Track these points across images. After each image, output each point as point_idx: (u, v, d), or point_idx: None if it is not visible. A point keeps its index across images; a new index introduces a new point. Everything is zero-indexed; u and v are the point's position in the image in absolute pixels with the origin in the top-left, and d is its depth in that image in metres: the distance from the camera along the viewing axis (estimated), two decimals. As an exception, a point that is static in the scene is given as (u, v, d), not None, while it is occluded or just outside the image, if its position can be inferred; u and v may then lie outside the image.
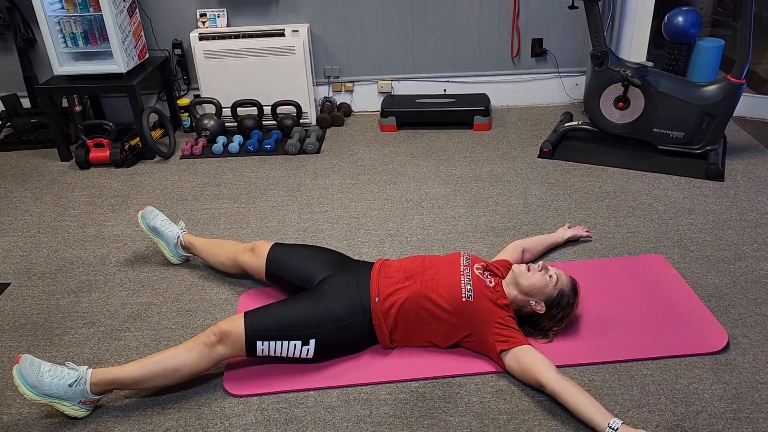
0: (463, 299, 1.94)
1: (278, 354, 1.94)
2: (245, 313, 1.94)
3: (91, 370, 1.85)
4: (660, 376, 1.93)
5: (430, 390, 1.92)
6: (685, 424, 1.77)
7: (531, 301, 2.01)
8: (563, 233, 2.61)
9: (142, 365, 1.86)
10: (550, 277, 2.00)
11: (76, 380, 1.81)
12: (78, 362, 2.11)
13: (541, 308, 2.00)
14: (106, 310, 2.37)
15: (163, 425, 1.84)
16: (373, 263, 2.17)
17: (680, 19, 3.52)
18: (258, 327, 1.91)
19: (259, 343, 1.91)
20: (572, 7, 3.30)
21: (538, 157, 3.45)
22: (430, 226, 2.83)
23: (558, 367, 1.97)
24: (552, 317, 2.03)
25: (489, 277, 2.05)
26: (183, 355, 1.88)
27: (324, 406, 1.89)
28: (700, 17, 3.54)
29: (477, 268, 2.05)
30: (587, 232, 2.66)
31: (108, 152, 3.53)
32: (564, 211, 2.89)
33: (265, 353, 1.93)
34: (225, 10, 3.86)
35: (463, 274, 2.00)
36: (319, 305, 1.98)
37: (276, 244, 2.29)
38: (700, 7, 4.09)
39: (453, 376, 1.97)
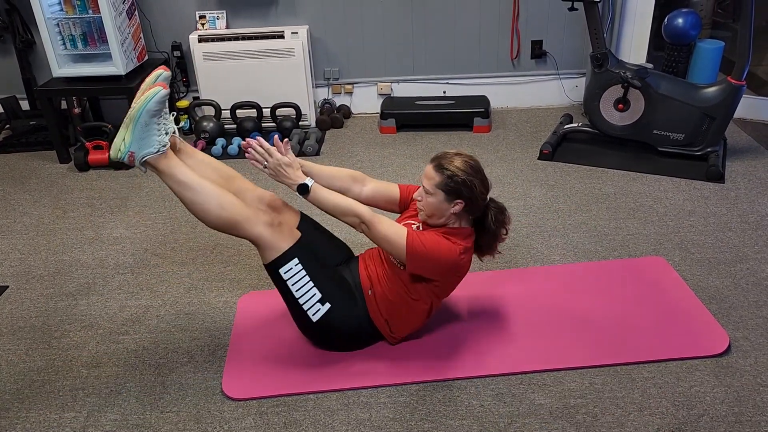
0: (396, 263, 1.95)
1: (294, 288, 1.91)
2: (304, 228, 2.01)
3: (168, 148, 1.87)
4: (661, 379, 1.92)
5: (431, 393, 1.92)
6: (687, 427, 1.76)
7: (450, 212, 1.89)
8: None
9: (202, 180, 1.87)
10: (423, 195, 1.90)
11: (159, 148, 1.84)
12: (77, 365, 2.10)
13: (458, 205, 1.88)
14: (104, 313, 2.36)
15: (162, 428, 1.83)
16: (357, 256, 2.14)
17: (680, 20, 3.51)
18: (307, 248, 1.93)
19: (294, 260, 1.90)
20: (572, 8, 3.29)
21: (538, 159, 3.44)
22: (429, 228, 2.81)
23: (558, 370, 1.97)
24: (468, 193, 1.87)
25: (417, 225, 2.00)
26: (237, 204, 1.88)
27: (323, 409, 1.88)
28: (699, 19, 3.54)
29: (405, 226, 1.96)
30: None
31: (107, 154, 3.52)
32: (564, 213, 2.88)
33: (287, 276, 1.90)
34: (224, 12, 3.86)
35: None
36: (344, 286, 1.99)
37: (303, 215, 2.14)
38: (699, 9, 4.08)
39: (453, 379, 1.96)
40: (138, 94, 1.88)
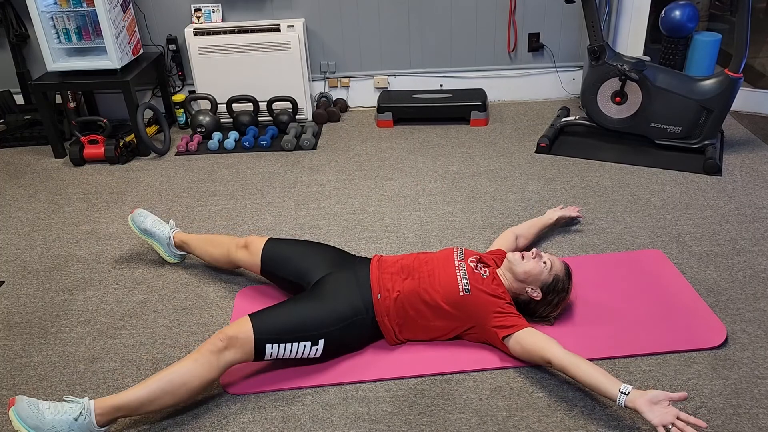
0: (461, 294, 1.95)
1: (287, 356, 1.91)
2: (250, 317, 1.89)
3: (92, 400, 1.73)
4: (659, 372, 1.92)
5: (429, 387, 1.91)
6: (685, 419, 1.76)
7: (527, 288, 2.02)
8: (552, 214, 2.62)
9: (146, 385, 1.75)
10: (545, 263, 2.03)
11: (80, 413, 1.69)
12: (74, 360, 2.09)
13: (537, 294, 2.02)
14: (101, 308, 2.35)
15: (160, 424, 1.83)
16: (368, 259, 2.16)
17: (677, 13, 3.50)
18: (266, 330, 1.86)
19: (268, 346, 1.86)
20: (569, 1, 3.28)
21: (536, 152, 3.44)
22: (427, 222, 2.81)
23: (557, 363, 1.97)
24: (548, 302, 2.05)
25: (483, 268, 2.05)
26: (189, 367, 1.79)
27: (322, 403, 1.87)
28: (697, 11, 3.53)
29: (471, 261, 2.05)
30: (578, 212, 2.68)
31: (102, 149, 3.50)
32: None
33: (274, 356, 1.89)
34: (220, 5, 3.83)
35: (458, 269, 2.01)
36: (324, 305, 1.96)
37: (270, 239, 2.26)
38: (696, 1, 4.07)
39: (451, 373, 1.96)
40: None
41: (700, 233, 2.63)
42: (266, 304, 2.28)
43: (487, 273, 2.03)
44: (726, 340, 2.03)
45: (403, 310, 1.99)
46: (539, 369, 1.96)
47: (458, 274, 1.99)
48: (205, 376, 1.80)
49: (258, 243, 2.26)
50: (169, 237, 2.49)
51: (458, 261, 2.04)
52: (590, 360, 1.97)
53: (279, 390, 1.92)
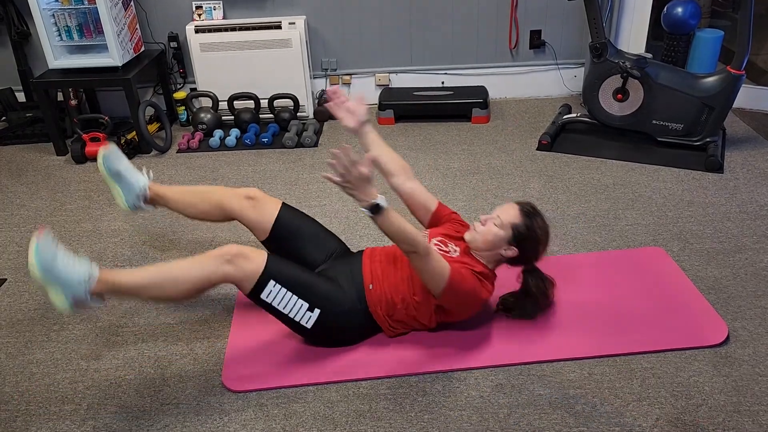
0: None
1: (281, 306, 1.90)
2: (269, 253, 1.91)
3: (98, 271, 1.80)
4: (660, 369, 1.93)
5: (430, 384, 1.92)
6: (686, 417, 1.76)
7: (500, 252, 1.98)
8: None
9: (144, 272, 1.82)
10: (495, 224, 1.96)
11: (87, 278, 1.77)
12: (76, 357, 2.10)
13: (512, 252, 1.98)
14: (103, 305, 2.35)
15: (162, 421, 1.84)
16: (360, 251, 2.15)
17: (679, 10, 3.50)
18: (277, 269, 1.88)
19: (271, 282, 1.86)
20: (571, -2, 3.28)
21: (537, 149, 3.44)
22: (428, 219, 2.81)
23: (558, 360, 1.97)
24: (528, 249, 1.98)
25: (453, 246, 2.02)
26: (187, 267, 1.82)
27: (323, 401, 1.88)
28: (699, 8, 3.53)
29: (436, 244, 2.02)
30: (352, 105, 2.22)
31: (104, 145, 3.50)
32: (563, 203, 2.88)
33: (270, 299, 1.88)
34: (221, 2, 3.83)
35: None
36: (329, 285, 1.98)
37: (284, 204, 2.18)
38: (699, -2, 4.06)
39: (453, 371, 1.96)
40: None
41: (701, 231, 2.63)
42: (268, 301, 2.28)
43: (458, 251, 2.02)
44: (727, 338, 2.03)
45: (391, 299, 1.99)
46: (540, 366, 1.96)
47: None
48: (198, 279, 1.82)
49: (270, 205, 2.15)
50: (145, 187, 2.28)
51: None
52: (591, 357, 1.98)
53: (281, 387, 1.93)
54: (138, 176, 2.31)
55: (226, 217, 2.22)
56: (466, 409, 1.83)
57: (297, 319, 1.93)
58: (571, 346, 2.02)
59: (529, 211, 1.98)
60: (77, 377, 2.02)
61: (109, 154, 2.28)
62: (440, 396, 1.88)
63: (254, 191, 2.19)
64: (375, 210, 1.72)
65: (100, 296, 1.82)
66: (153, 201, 2.32)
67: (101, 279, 1.80)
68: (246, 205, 2.15)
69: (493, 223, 1.97)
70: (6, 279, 2.54)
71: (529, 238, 1.96)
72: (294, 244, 2.14)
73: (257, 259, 1.87)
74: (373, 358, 2.01)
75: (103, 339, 2.18)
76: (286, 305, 1.90)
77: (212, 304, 2.33)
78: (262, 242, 2.20)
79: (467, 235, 2.02)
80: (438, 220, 2.18)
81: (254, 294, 1.89)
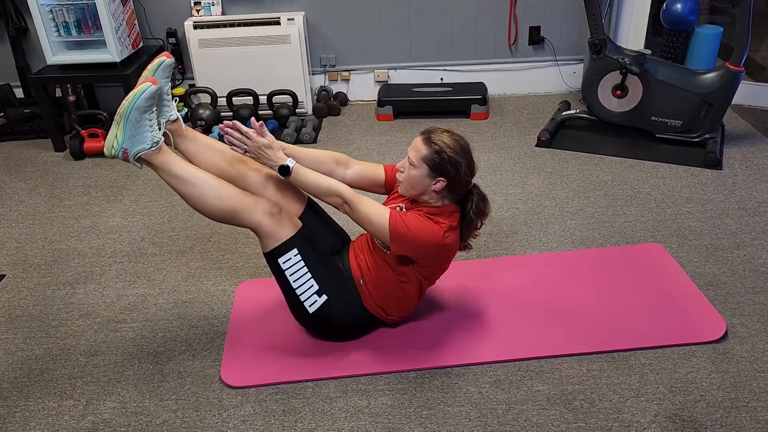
0: (384, 251, 1.93)
1: (292, 279, 1.91)
2: (304, 224, 1.96)
3: (162, 143, 1.87)
4: (658, 365, 1.93)
5: (429, 380, 1.92)
6: (684, 413, 1.77)
7: (429, 189, 1.87)
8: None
9: (198, 172, 1.88)
10: (406, 167, 1.88)
11: (151, 145, 1.84)
12: (75, 353, 2.10)
13: (440, 183, 1.86)
14: (102, 301, 2.36)
15: (161, 416, 1.84)
16: (348, 245, 2.11)
17: (679, 6, 3.49)
18: (306, 242, 1.92)
19: (294, 251, 1.90)
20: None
21: (536, 146, 3.43)
22: (427, 215, 2.81)
23: (556, 356, 1.97)
24: (452, 171, 1.85)
25: (399, 205, 1.97)
26: (234, 193, 1.88)
27: (322, 396, 1.88)
28: (698, 4, 3.52)
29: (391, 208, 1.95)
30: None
31: (102, 142, 3.49)
32: (562, 200, 2.88)
33: (285, 266, 1.90)
34: (220, -2, 3.82)
35: None
36: (341, 279, 1.98)
37: (310, 203, 2.10)
38: (698, -6, 4.06)
39: (451, 367, 1.96)
40: (138, 83, 1.86)
41: (700, 227, 2.63)
42: (268, 298, 2.29)
43: (404, 207, 1.96)
44: (725, 334, 2.03)
45: (382, 287, 1.97)
46: (539, 363, 1.96)
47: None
48: (235, 209, 1.87)
49: (295, 207, 2.05)
50: (170, 120, 1.99)
51: None
52: (590, 353, 1.98)
53: (279, 383, 1.93)
54: (173, 107, 2.05)
55: (250, 181, 2.03)
56: (464, 404, 1.83)
57: (303, 298, 1.93)
58: (570, 342, 2.02)
59: (429, 138, 1.86)
60: (76, 373, 2.02)
61: (171, 63, 2.03)
62: (438, 392, 1.88)
63: (281, 182, 2.01)
64: (284, 171, 1.87)
65: (146, 162, 1.88)
66: (158, 151, 1.90)
67: (159, 156, 1.86)
68: (263, 206, 1.93)
69: (406, 164, 1.88)
70: (5, 275, 2.54)
71: (444, 162, 1.84)
72: (317, 232, 2.07)
73: (292, 224, 1.92)
74: (371, 354, 2.01)
75: (102, 335, 2.19)
76: (297, 279, 1.91)
77: (210, 300, 2.33)
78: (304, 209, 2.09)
79: (399, 189, 1.95)
80: (392, 185, 2.09)
81: (273, 255, 1.90)
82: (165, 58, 1.97)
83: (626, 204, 2.83)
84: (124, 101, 1.83)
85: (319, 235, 2.08)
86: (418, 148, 1.86)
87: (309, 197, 2.12)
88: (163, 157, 1.87)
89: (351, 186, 1.95)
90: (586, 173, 3.12)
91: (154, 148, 1.85)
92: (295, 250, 1.89)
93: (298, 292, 1.93)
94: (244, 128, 1.92)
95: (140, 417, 1.84)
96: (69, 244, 2.73)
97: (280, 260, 1.90)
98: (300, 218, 2.03)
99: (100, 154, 3.53)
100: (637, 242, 2.55)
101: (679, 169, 3.11)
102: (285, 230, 1.90)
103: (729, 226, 2.62)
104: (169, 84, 2.06)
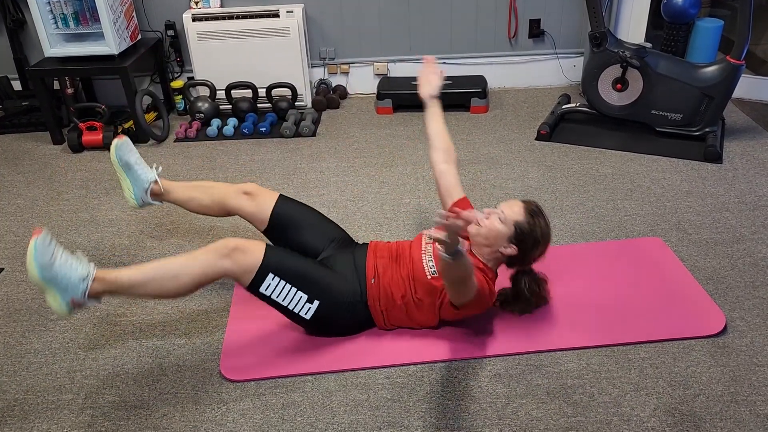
0: (429, 277, 1.93)
1: (280, 299, 1.90)
2: (267, 244, 1.91)
3: (96, 270, 1.79)
4: (658, 359, 1.93)
5: (428, 374, 1.92)
6: (683, 407, 1.77)
7: (499, 249, 1.94)
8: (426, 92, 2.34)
9: (141, 269, 1.82)
10: (499, 219, 1.92)
11: (85, 277, 1.76)
12: (74, 347, 2.10)
13: (512, 250, 1.93)
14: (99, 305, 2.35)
15: (160, 410, 1.84)
16: (366, 244, 2.16)
17: (679, -1, 3.48)
18: (276, 261, 1.88)
19: (270, 276, 1.86)
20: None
21: (536, 139, 3.43)
22: (426, 209, 2.81)
23: (555, 350, 1.97)
24: (528, 249, 1.94)
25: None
26: (185, 262, 1.83)
27: (321, 390, 1.88)
28: (699, -3, 3.51)
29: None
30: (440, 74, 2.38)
31: (101, 135, 3.49)
32: (562, 193, 2.88)
33: (269, 292, 1.89)
34: (218, -10, 3.80)
35: (424, 253, 1.99)
36: (330, 275, 1.98)
37: (281, 196, 2.19)
38: (699, -13, 4.04)
39: (451, 360, 1.96)
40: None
41: (700, 221, 2.63)
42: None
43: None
44: (725, 328, 2.03)
45: (391, 295, 1.98)
46: (538, 357, 1.96)
47: (424, 258, 1.97)
48: (197, 275, 1.83)
49: (267, 197, 2.18)
50: (150, 182, 2.26)
51: (425, 244, 2.02)
52: (589, 347, 1.98)
53: (279, 377, 1.93)
54: (146, 170, 2.28)
55: (225, 212, 2.24)
56: (464, 398, 1.83)
57: (296, 311, 1.93)
58: (569, 336, 2.02)
59: (533, 210, 1.95)
60: (75, 367, 2.02)
61: (122, 144, 2.24)
62: (438, 386, 1.88)
63: (250, 186, 2.21)
64: (456, 255, 1.63)
65: (98, 297, 1.81)
66: (160, 196, 2.30)
67: (99, 278, 1.79)
68: (243, 200, 2.18)
69: (497, 218, 1.93)
70: (3, 268, 2.54)
71: (530, 237, 1.92)
72: (293, 232, 2.14)
73: (256, 252, 1.86)
74: (371, 348, 2.01)
75: (101, 329, 2.18)
76: (285, 297, 1.90)
77: (209, 294, 2.33)
78: (262, 232, 2.20)
79: (471, 228, 1.97)
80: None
81: (253, 287, 1.89)
82: (116, 143, 2.20)
83: (626, 197, 2.82)
84: (28, 269, 1.72)
85: (294, 242, 2.12)
86: (516, 210, 1.94)
87: (279, 196, 2.19)
88: (105, 281, 1.79)
89: (433, 172, 2.19)
90: (586, 167, 3.11)
91: (90, 279, 1.77)
92: (270, 275, 1.87)
93: (290, 307, 1.93)
94: (464, 214, 1.74)
95: (139, 411, 1.84)
96: (67, 238, 2.73)
97: (261, 288, 1.89)
98: (272, 213, 2.12)
99: (98, 147, 3.52)
100: (636, 236, 2.54)
101: (679, 162, 3.11)
102: (252, 259, 1.86)
103: (729, 220, 2.62)
104: (136, 155, 2.27)
